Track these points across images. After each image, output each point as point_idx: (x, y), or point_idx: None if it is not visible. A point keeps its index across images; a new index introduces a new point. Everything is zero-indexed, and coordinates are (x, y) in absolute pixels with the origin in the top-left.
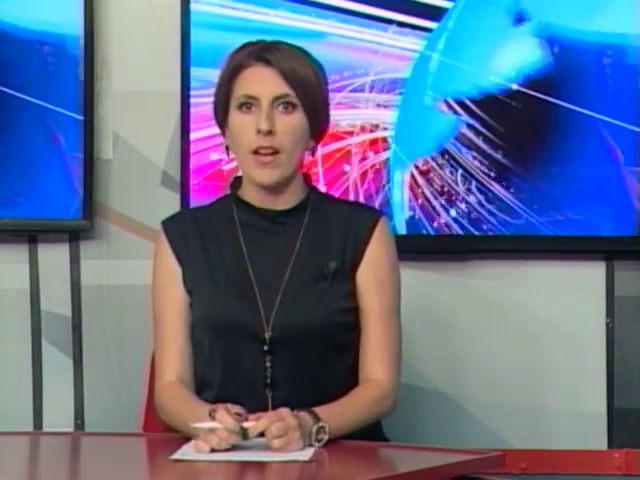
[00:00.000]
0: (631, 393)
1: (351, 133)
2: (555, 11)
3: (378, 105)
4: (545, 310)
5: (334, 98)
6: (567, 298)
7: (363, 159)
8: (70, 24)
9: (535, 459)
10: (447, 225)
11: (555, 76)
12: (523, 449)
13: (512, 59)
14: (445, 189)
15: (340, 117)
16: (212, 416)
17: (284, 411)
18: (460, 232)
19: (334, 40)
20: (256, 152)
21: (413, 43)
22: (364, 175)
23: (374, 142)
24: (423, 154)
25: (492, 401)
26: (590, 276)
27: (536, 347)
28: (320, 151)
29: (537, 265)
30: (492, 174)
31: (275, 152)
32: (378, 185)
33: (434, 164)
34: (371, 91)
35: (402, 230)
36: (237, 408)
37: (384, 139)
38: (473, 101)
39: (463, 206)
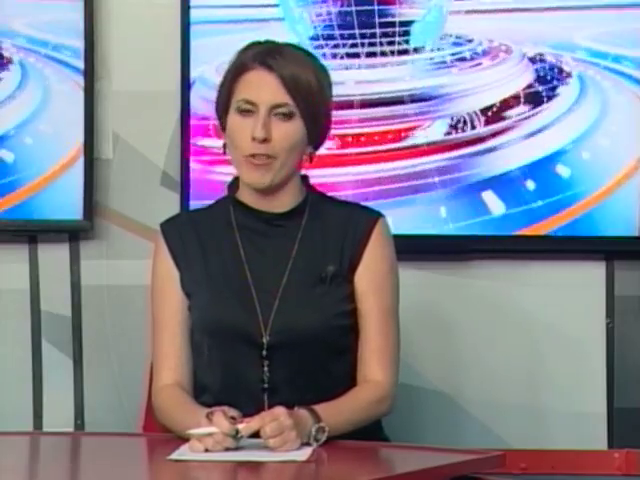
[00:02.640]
0: (631, 393)
1: None
2: None
3: None
4: (545, 310)
5: None
6: (567, 298)
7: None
8: (70, 24)
9: (535, 459)
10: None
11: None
12: (523, 449)
13: None
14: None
15: None
16: (209, 418)
17: (279, 410)
18: (459, 232)
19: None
20: (251, 155)
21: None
22: None
23: None
24: None
25: (492, 401)
26: (590, 276)
27: (536, 347)
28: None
29: (537, 265)
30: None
31: (269, 157)
32: None
33: None
34: None
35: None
36: (234, 412)
37: None
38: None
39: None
